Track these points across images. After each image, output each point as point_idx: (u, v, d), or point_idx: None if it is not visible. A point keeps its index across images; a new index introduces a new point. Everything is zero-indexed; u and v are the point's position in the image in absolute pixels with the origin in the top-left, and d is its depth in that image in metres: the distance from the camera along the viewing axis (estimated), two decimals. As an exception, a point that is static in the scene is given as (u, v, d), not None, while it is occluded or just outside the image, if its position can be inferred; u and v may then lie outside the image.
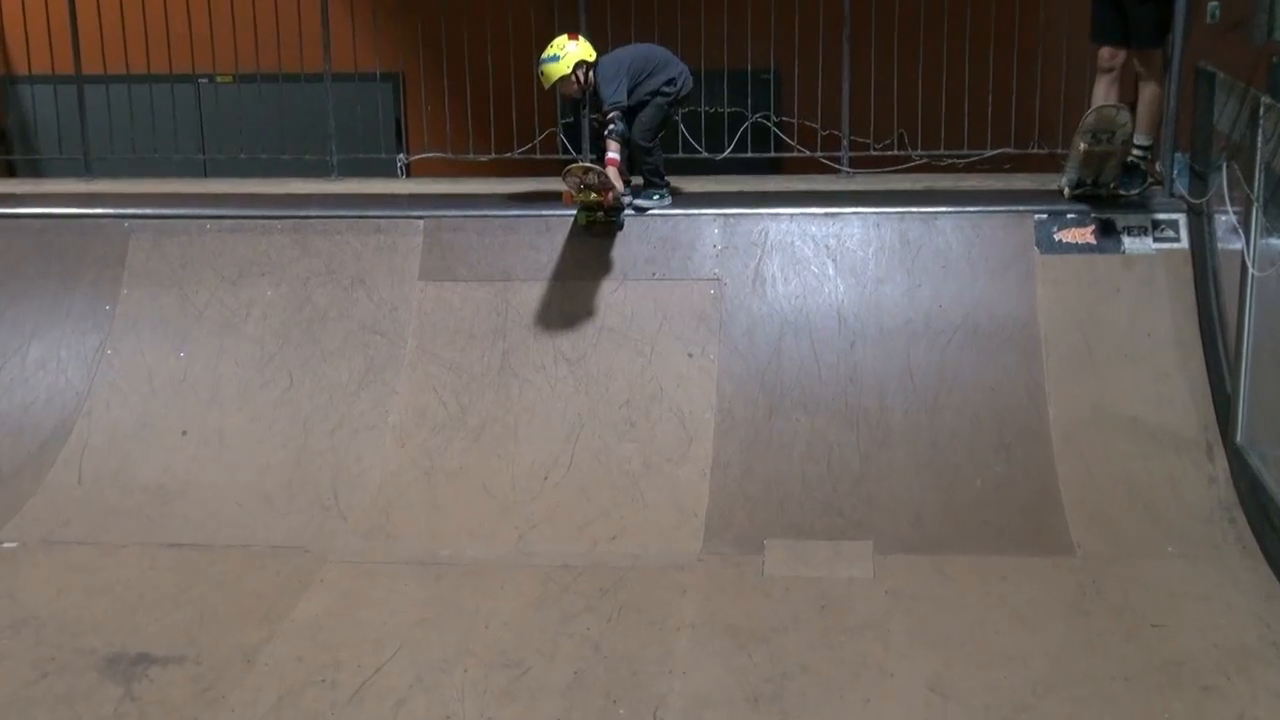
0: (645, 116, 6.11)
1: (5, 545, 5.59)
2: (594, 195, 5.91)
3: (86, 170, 7.80)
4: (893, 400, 5.88)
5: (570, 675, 4.51)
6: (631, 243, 6.54)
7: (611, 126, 5.85)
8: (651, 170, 6.26)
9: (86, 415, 6.18)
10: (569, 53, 5.87)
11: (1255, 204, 5.19)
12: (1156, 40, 6.19)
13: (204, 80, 8.53)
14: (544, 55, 5.93)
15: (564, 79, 5.85)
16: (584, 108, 6.35)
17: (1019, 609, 4.83)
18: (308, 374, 6.26)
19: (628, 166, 6.20)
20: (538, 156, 7.75)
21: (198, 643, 4.68)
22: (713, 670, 4.57)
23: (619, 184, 5.86)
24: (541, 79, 5.93)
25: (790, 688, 4.45)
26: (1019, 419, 5.76)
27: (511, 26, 7.70)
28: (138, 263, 6.71)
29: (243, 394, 6.24)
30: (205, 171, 8.13)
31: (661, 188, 6.31)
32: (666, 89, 6.01)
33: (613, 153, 5.84)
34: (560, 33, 6.68)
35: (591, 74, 5.90)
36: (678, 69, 6.15)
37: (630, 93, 5.94)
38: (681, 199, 6.79)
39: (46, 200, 7.43)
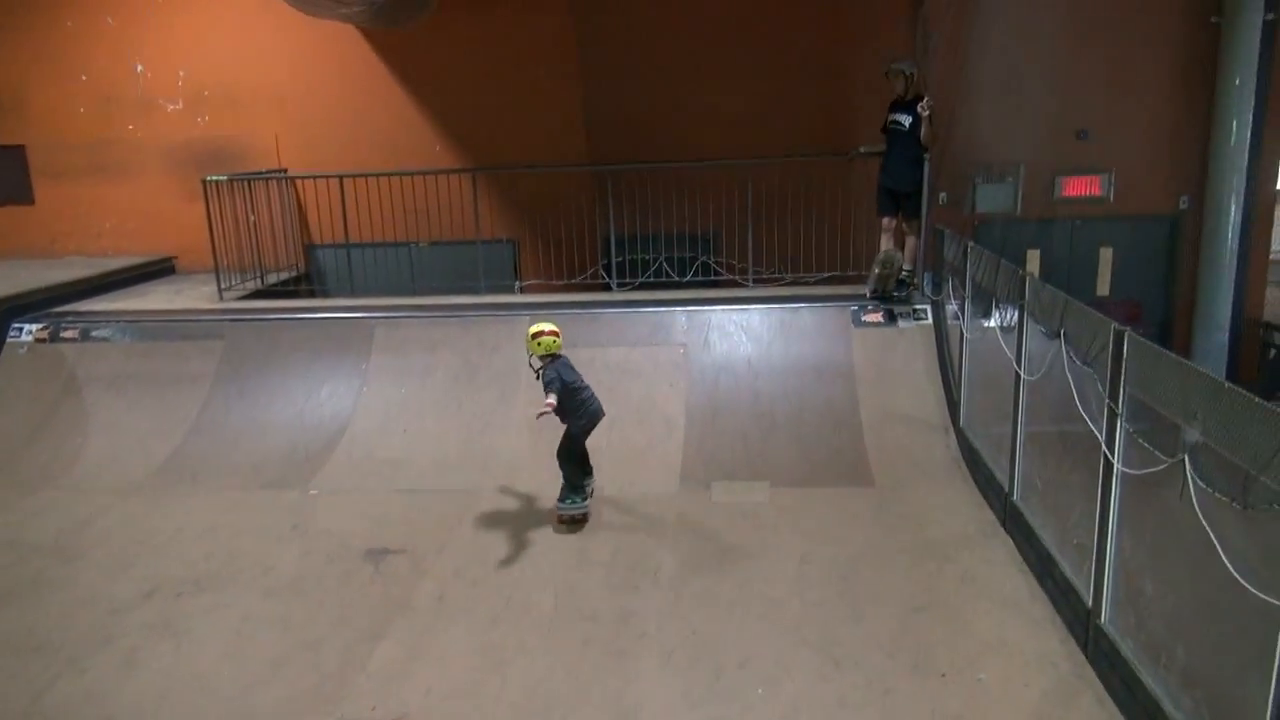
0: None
1: (311, 492, 7.20)
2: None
3: (350, 292, 10.55)
4: (778, 408, 7.63)
5: (609, 554, 5.87)
6: (635, 326, 8.31)
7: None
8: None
9: (352, 422, 7.89)
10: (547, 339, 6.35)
11: (966, 300, 7.15)
12: (916, 214, 8.38)
13: (413, 245, 11.38)
14: (545, 327, 6.44)
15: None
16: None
17: (846, 513, 6.26)
18: (469, 400, 7.97)
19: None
20: (583, 290, 10.00)
21: (411, 542, 6.17)
22: (687, 548, 5.92)
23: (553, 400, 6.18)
24: (532, 346, 6.38)
25: (727, 558, 5.80)
26: (845, 416, 7.51)
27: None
28: (378, 341, 8.52)
29: (434, 412, 7.85)
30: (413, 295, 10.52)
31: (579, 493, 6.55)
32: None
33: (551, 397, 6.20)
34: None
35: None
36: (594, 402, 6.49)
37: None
38: (662, 301, 8.72)
39: (329, 309, 9.38)
